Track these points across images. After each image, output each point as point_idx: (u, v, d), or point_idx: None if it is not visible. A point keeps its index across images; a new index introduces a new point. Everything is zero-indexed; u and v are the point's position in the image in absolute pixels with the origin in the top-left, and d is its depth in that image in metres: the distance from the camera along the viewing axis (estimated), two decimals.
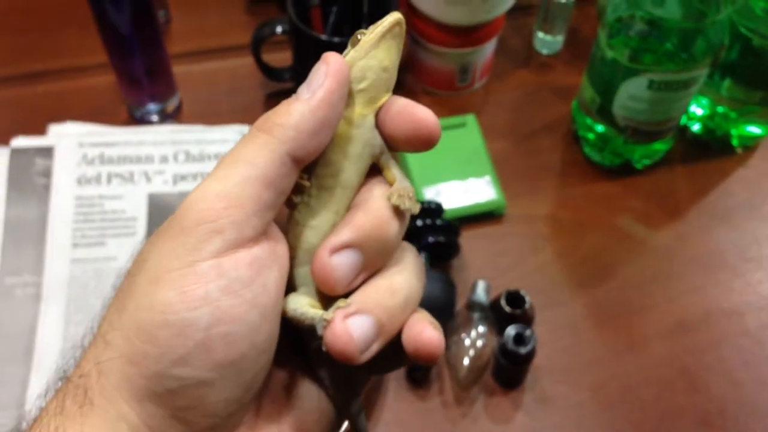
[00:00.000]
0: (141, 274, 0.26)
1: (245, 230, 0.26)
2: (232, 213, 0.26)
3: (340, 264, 0.27)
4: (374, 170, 0.29)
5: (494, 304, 0.62)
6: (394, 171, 0.29)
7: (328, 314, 0.27)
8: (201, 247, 0.25)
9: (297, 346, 0.30)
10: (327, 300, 0.29)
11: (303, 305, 0.28)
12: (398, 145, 0.29)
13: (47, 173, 0.65)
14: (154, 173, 0.67)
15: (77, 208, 0.64)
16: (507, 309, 0.61)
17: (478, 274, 0.65)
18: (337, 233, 0.27)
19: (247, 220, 0.26)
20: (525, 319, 0.62)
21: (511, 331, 0.58)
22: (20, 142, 0.67)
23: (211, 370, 0.25)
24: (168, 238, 0.26)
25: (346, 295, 0.28)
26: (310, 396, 0.30)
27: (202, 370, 0.25)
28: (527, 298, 0.62)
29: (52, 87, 0.77)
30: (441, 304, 0.61)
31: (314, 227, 0.28)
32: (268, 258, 0.27)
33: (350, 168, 0.28)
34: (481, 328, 0.61)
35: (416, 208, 0.28)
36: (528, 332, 0.58)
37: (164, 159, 0.67)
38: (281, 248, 0.28)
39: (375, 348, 0.27)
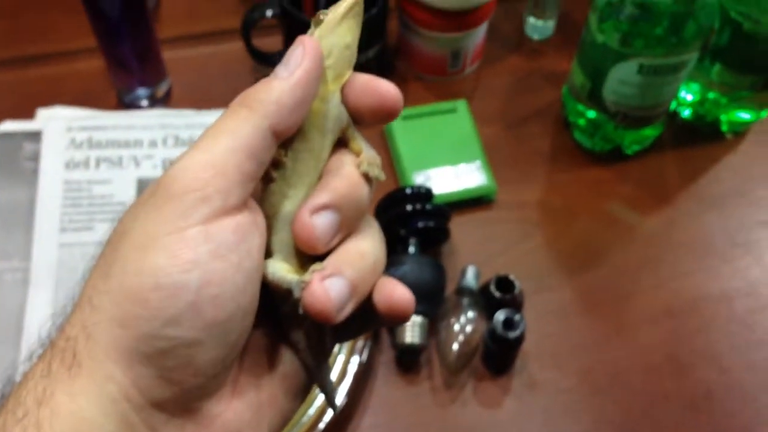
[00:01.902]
0: (125, 241, 0.27)
1: (230, 198, 0.27)
2: (218, 181, 0.27)
3: (321, 224, 0.29)
4: (338, 142, 0.32)
5: (484, 290, 0.62)
6: (359, 142, 0.31)
7: (305, 277, 0.29)
8: (189, 213, 0.27)
9: (270, 313, 0.32)
10: (301, 265, 0.30)
11: (280, 270, 0.30)
12: (363, 118, 0.31)
13: (35, 157, 0.65)
14: (143, 158, 0.66)
15: (65, 193, 0.64)
16: (496, 294, 0.61)
17: (467, 260, 0.65)
18: (316, 196, 0.29)
19: (231, 189, 0.27)
20: (514, 304, 0.62)
21: (500, 315, 0.59)
22: (8, 126, 0.67)
23: (201, 330, 0.27)
24: (153, 206, 0.27)
25: (321, 261, 0.30)
26: (284, 360, 0.32)
27: (192, 330, 0.27)
28: (517, 283, 0.62)
29: (40, 71, 0.76)
30: (431, 289, 0.62)
31: (290, 197, 0.30)
32: (251, 225, 0.28)
33: (323, 141, 0.31)
34: (470, 314, 0.61)
35: (383, 176, 0.31)
36: (517, 317, 0.58)
37: (153, 143, 0.67)
38: (260, 217, 0.29)
39: (349, 308, 0.29)
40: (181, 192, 0.27)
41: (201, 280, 0.26)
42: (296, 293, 0.28)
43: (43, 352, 0.28)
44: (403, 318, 0.30)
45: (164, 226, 0.27)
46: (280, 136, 0.29)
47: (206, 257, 0.26)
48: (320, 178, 0.31)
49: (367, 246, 0.30)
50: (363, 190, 0.30)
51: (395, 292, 0.30)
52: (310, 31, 0.31)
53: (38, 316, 0.59)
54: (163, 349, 0.26)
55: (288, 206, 0.30)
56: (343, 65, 0.31)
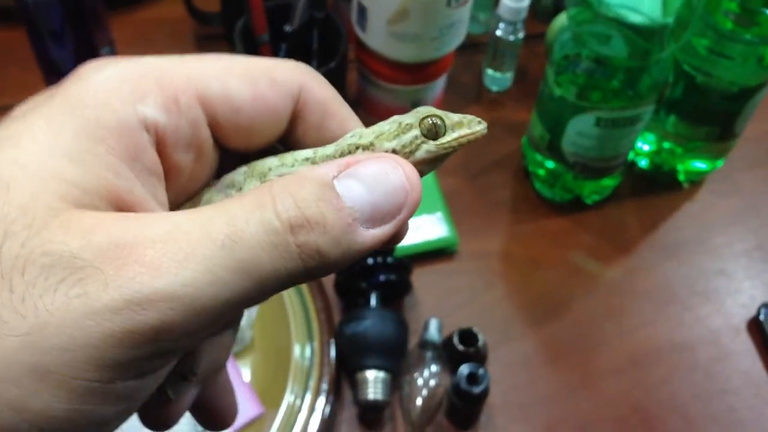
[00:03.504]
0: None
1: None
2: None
3: None
4: None
5: (447, 343, 0.62)
6: None
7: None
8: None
9: None
10: None
11: None
12: None
13: None
14: None
15: None
16: (460, 347, 0.61)
17: (430, 312, 0.64)
18: None
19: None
20: (478, 357, 0.61)
21: (464, 370, 0.58)
22: None
23: None
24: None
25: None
26: None
27: None
28: (480, 336, 0.61)
29: None
30: (393, 343, 0.60)
31: None
32: None
33: None
34: (434, 368, 0.60)
35: None
36: (481, 371, 0.57)
37: None
38: None
39: None
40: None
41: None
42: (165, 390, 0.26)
43: None
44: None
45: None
46: None
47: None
48: None
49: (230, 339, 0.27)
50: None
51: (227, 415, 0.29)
52: (411, 133, 0.23)
53: None
54: None
55: None
56: None
